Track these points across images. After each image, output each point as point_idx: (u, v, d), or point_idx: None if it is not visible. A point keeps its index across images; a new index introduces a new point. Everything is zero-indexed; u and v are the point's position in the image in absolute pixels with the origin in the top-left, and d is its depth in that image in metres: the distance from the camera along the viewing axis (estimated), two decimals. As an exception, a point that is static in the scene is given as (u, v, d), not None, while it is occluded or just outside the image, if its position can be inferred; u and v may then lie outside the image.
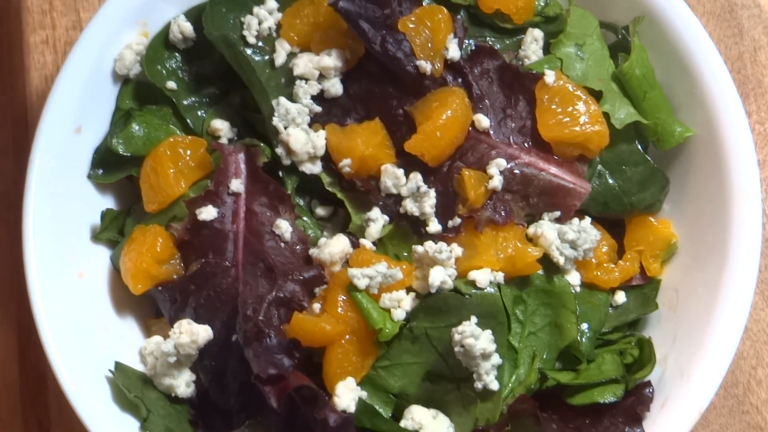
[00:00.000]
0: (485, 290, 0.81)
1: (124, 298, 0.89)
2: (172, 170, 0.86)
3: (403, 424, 0.82)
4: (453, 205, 0.85)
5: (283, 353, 0.79)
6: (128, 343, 0.89)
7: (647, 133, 0.88)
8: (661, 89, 0.88)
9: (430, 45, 0.83)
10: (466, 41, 0.88)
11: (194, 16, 0.89)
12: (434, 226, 0.84)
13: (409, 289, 0.83)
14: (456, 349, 0.79)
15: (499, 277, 0.82)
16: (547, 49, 0.90)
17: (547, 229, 0.83)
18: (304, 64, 0.86)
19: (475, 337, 0.78)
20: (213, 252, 0.85)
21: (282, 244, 0.85)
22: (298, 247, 0.85)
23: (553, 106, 0.84)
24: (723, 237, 0.83)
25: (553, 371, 0.84)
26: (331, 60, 0.85)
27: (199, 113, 0.91)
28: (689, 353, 0.83)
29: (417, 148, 0.83)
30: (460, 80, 0.85)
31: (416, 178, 0.85)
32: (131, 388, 0.84)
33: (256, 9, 0.87)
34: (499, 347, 0.81)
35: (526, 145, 0.86)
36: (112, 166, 0.89)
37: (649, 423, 0.82)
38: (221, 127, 0.90)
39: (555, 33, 0.89)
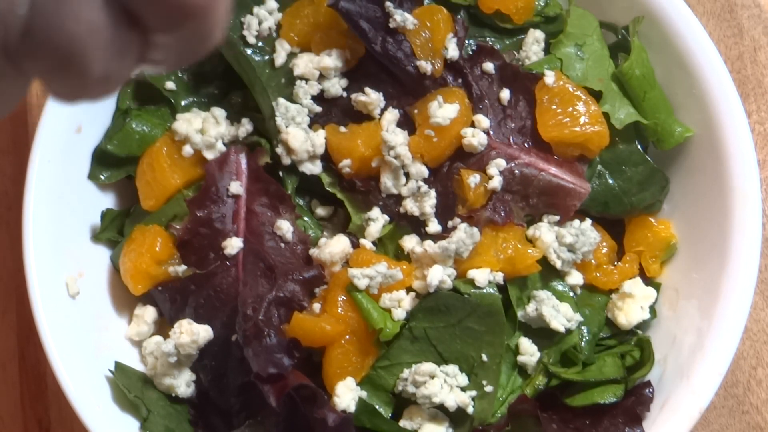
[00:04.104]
0: (484, 290, 0.81)
1: (124, 298, 0.89)
2: (167, 163, 0.86)
3: (402, 424, 0.82)
4: (453, 205, 0.85)
5: (283, 353, 0.79)
6: (128, 343, 0.88)
7: (647, 133, 0.88)
8: (661, 89, 0.88)
9: (430, 45, 0.83)
10: (466, 41, 0.88)
11: (194, 16, 0.89)
12: (434, 226, 0.84)
13: (409, 289, 0.83)
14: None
15: (499, 277, 0.82)
16: (547, 49, 0.89)
17: (544, 231, 0.83)
18: (304, 64, 0.85)
19: (415, 384, 0.79)
20: (213, 252, 0.85)
21: (282, 245, 0.85)
22: (298, 247, 0.85)
23: (553, 107, 0.84)
24: (723, 237, 0.83)
25: (556, 367, 0.83)
26: (331, 60, 0.85)
27: (199, 113, 0.91)
28: (689, 353, 0.83)
29: (417, 148, 0.83)
30: (460, 80, 0.85)
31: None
32: (131, 388, 0.84)
33: (256, 9, 0.87)
34: (498, 348, 0.81)
35: (525, 145, 0.86)
36: (112, 167, 0.89)
37: (649, 423, 0.82)
38: (221, 127, 0.90)
39: (555, 33, 0.89)
